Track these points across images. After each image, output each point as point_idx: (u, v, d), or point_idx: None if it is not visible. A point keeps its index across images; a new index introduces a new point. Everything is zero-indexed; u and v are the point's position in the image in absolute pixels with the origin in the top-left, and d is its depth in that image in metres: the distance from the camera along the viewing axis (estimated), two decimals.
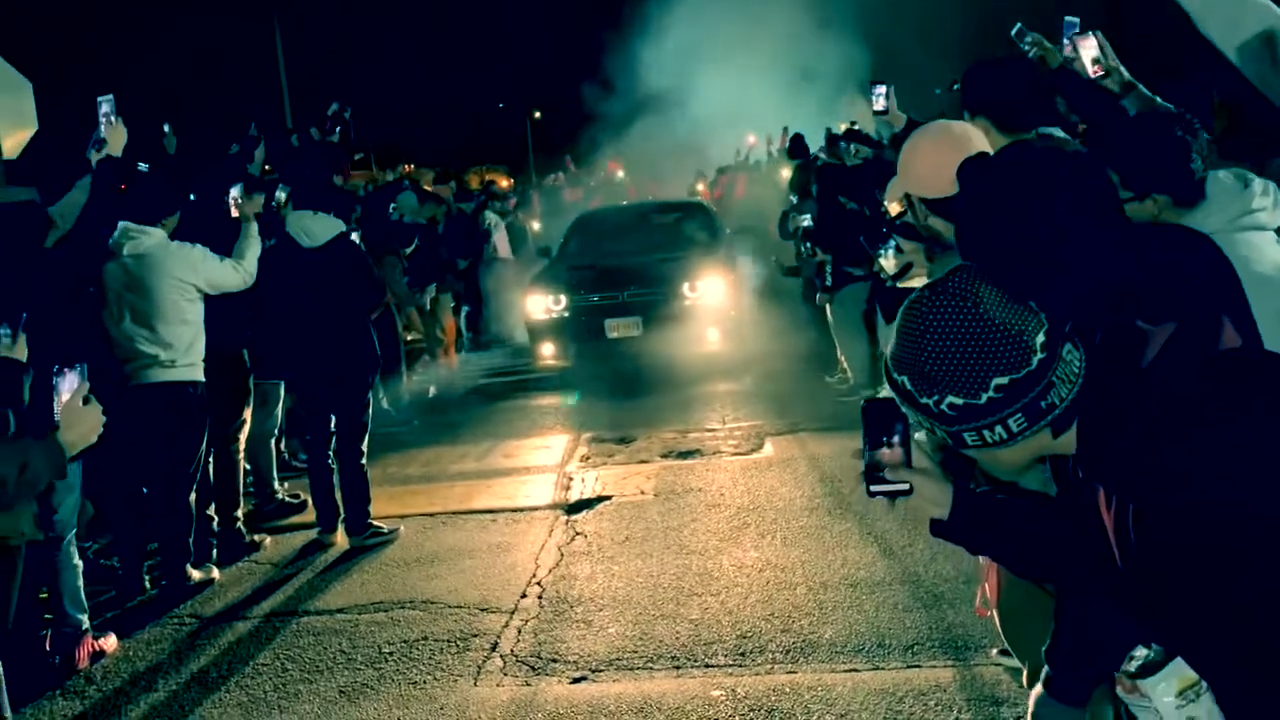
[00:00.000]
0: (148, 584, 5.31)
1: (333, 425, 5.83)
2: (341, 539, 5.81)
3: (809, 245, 7.66)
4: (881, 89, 5.56)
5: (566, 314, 9.86)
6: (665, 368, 9.43)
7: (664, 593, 4.81)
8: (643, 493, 6.39)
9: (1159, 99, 3.21)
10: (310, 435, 6.01)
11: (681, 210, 12.70)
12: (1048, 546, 1.74)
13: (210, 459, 5.56)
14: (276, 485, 6.57)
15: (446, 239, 10.41)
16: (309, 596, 5.14)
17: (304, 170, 7.65)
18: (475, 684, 4.09)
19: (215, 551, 5.55)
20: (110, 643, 4.64)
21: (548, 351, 10.02)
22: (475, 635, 4.52)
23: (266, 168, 7.53)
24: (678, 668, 4.09)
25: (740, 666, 4.05)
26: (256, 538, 5.92)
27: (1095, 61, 3.23)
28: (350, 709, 3.98)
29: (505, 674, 4.15)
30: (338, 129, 9.09)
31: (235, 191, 5.50)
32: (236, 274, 5.41)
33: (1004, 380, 1.40)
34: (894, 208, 3.05)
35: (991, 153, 2.70)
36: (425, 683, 4.13)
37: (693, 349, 9.60)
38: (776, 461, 6.81)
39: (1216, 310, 2.04)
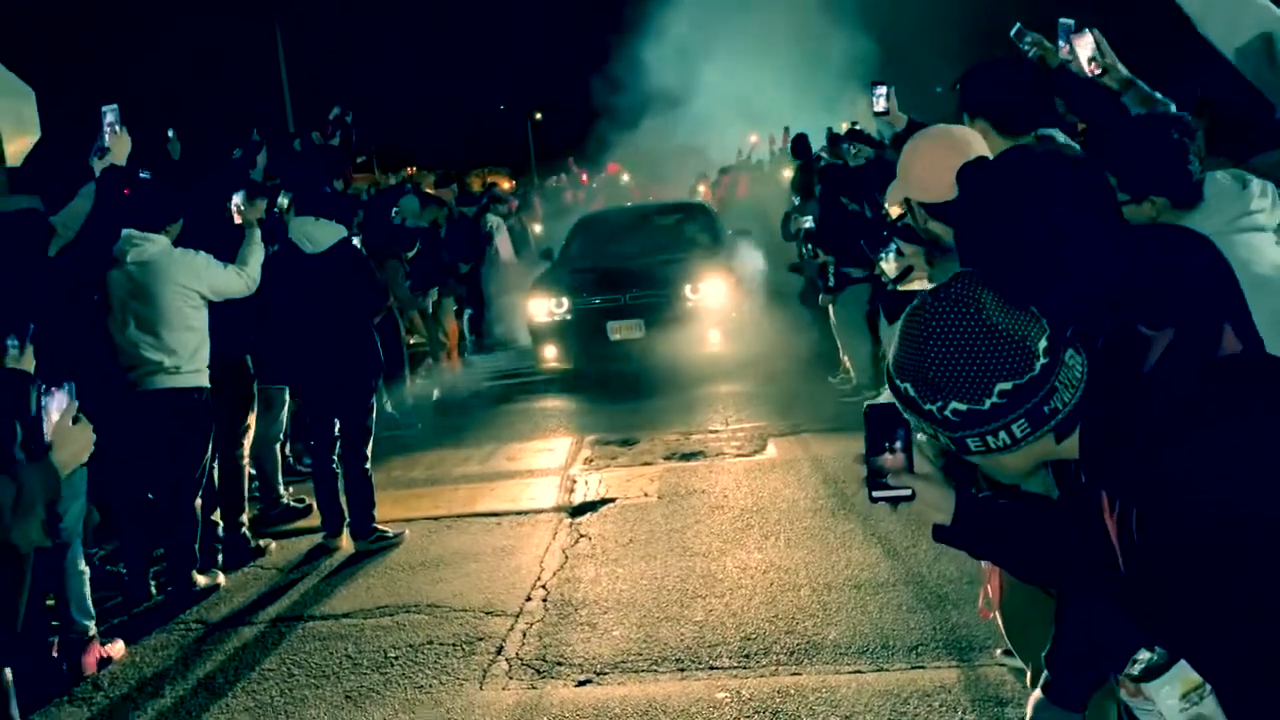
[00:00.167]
0: (154, 590, 5.32)
1: (337, 430, 5.84)
2: (347, 543, 5.82)
3: (810, 247, 7.67)
4: (882, 90, 5.56)
5: (569, 316, 9.87)
6: (668, 369, 9.45)
7: (668, 595, 4.83)
8: (646, 495, 6.40)
9: (1159, 94, 3.22)
10: (314, 440, 6.02)
11: (683, 212, 12.71)
12: (1050, 551, 1.75)
13: (215, 464, 5.58)
14: (281, 490, 6.59)
15: (448, 242, 10.43)
16: (315, 601, 5.16)
17: (306, 176, 7.68)
18: (481, 688, 4.10)
19: (221, 557, 5.57)
20: (117, 649, 4.66)
21: (550, 354, 10.05)
22: (481, 639, 4.53)
23: (271, 180, 7.55)
24: (682, 670, 4.10)
25: (745, 668, 4.06)
26: (262, 543, 5.94)
27: (1091, 60, 3.24)
28: (356, 714, 4.00)
29: (511, 677, 4.16)
30: (339, 133, 9.11)
31: (238, 198, 5.51)
32: (240, 280, 5.43)
33: (1007, 386, 1.41)
34: (894, 211, 3.06)
35: (991, 156, 2.71)
36: (431, 687, 4.14)
37: (695, 350, 9.61)
38: (780, 463, 6.82)
39: (1217, 311, 2.06)
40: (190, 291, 5.23)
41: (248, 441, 6.01)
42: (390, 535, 5.82)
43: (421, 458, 7.74)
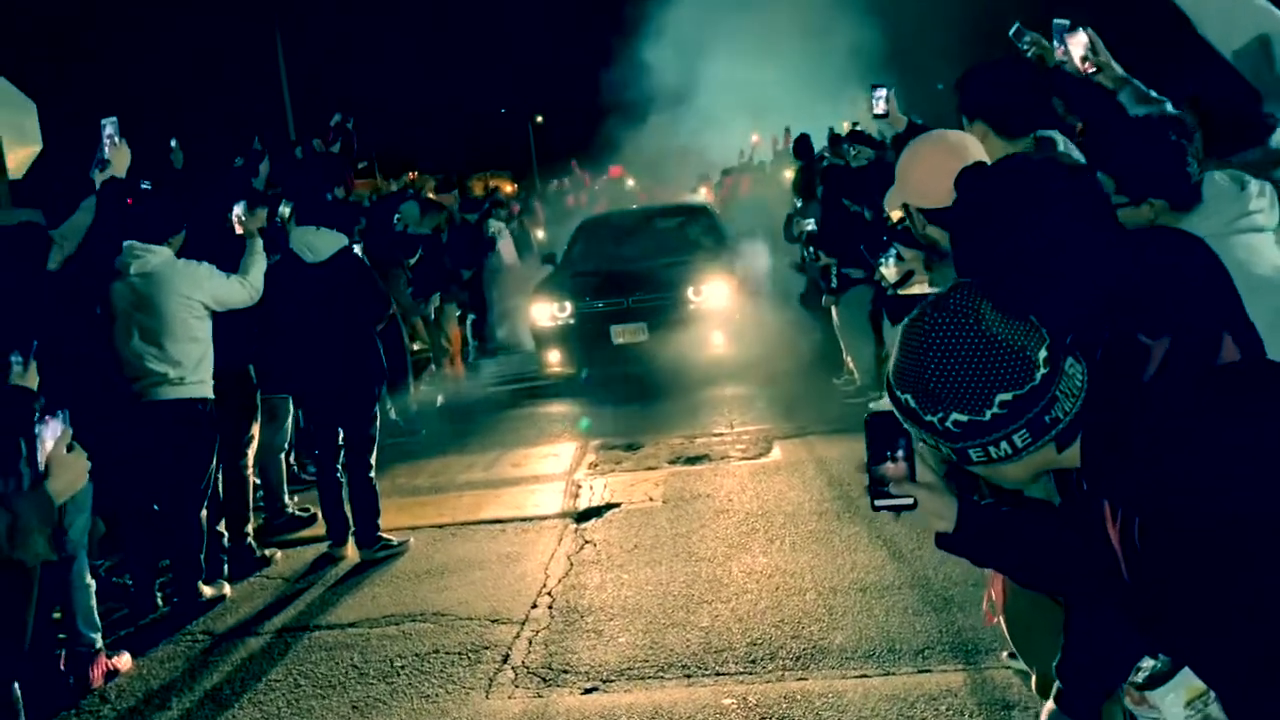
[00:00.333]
0: (160, 601, 5.33)
1: (341, 439, 5.85)
2: (352, 552, 5.83)
3: (812, 250, 7.66)
4: (882, 92, 5.55)
5: (572, 321, 9.88)
6: (672, 373, 9.45)
7: (674, 601, 4.82)
8: (651, 499, 6.40)
9: (1154, 93, 3.21)
10: (319, 449, 6.03)
11: (685, 214, 12.71)
12: (1053, 559, 1.75)
13: (219, 475, 5.59)
14: (286, 499, 6.60)
15: (450, 248, 10.44)
16: (320, 611, 5.16)
17: (307, 184, 7.69)
18: (487, 696, 4.10)
19: (226, 567, 5.57)
20: (124, 661, 4.67)
21: (554, 359, 10.06)
22: (486, 647, 4.53)
23: (272, 188, 7.56)
24: (689, 677, 4.09)
25: (751, 674, 4.06)
26: (267, 552, 5.95)
27: (1085, 59, 3.24)
28: None
29: (517, 686, 4.16)
30: (340, 140, 9.12)
31: (239, 209, 5.52)
32: (243, 290, 5.44)
33: (1008, 396, 1.41)
34: (895, 215, 3.06)
35: (989, 160, 2.71)
36: (437, 696, 4.14)
37: (699, 353, 9.62)
38: (784, 465, 6.82)
39: (1214, 314, 2.06)
40: (193, 302, 5.24)
41: (252, 451, 6.02)
42: (395, 544, 5.82)
43: (426, 465, 7.75)
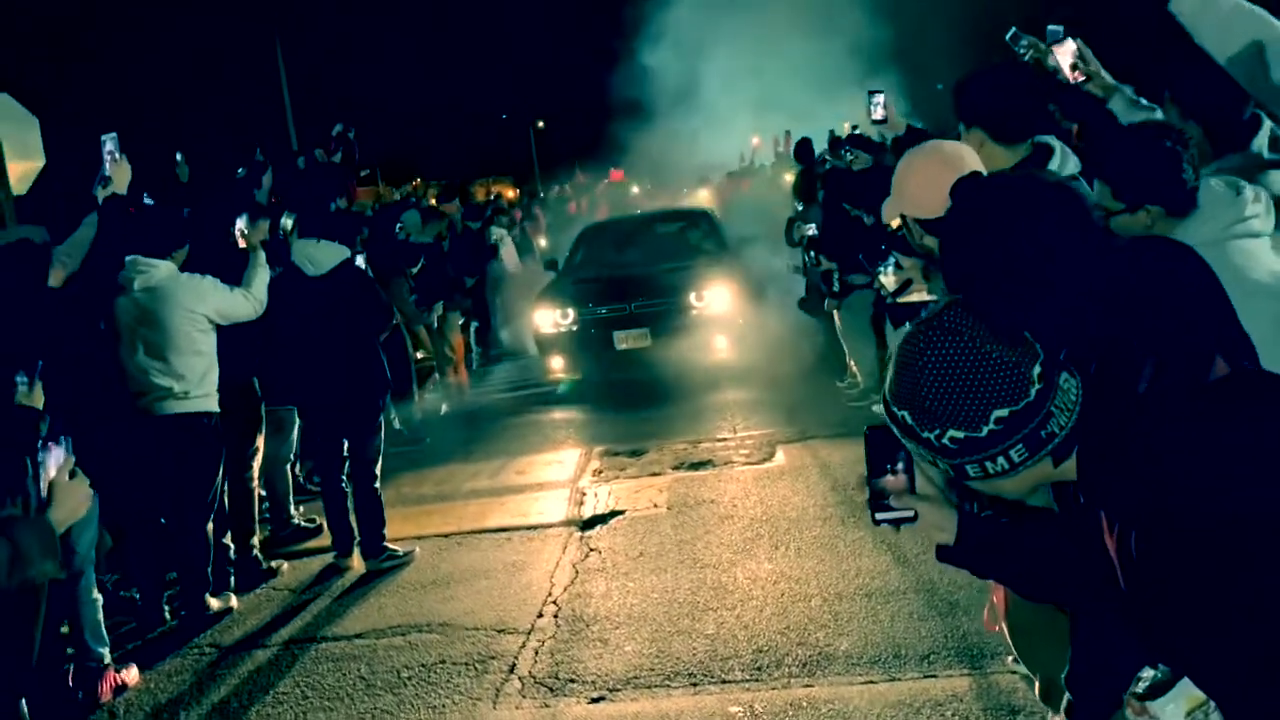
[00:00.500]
0: (167, 614, 5.35)
1: (345, 450, 5.86)
2: (358, 563, 5.84)
3: (814, 254, 7.67)
4: (879, 98, 5.57)
5: (575, 327, 9.90)
6: (675, 378, 9.46)
7: (679, 608, 4.83)
8: (655, 506, 6.41)
9: (1144, 100, 3.23)
10: (323, 460, 6.05)
11: (686, 219, 12.73)
12: (1054, 571, 1.76)
13: (225, 488, 5.60)
14: (292, 510, 6.62)
15: (453, 256, 10.46)
16: (327, 622, 5.18)
17: (309, 194, 7.71)
18: (494, 707, 4.12)
19: (233, 580, 5.59)
20: (132, 675, 4.68)
21: (557, 365, 10.08)
22: (493, 657, 4.55)
23: (273, 199, 7.58)
24: (695, 685, 4.10)
25: (757, 681, 4.07)
26: (274, 564, 5.96)
27: (1074, 67, 3.25)
28: None
29: (524, 696, 4.17)
30: (341, 150, 9.14)
31: (241, 223, 5.54)
32: (247, 303, 5.46)
33: (1004, 412, 1.42)
34: (893, 224, 3.07)
35: (984, 170, 2.72)
36: (444, 707, 4.16)
37: (702, 358, 9.63)
38: (788, 470, 6.82)
39: (1211, 320, 2.06)
40: (197, 316, 5.26)
41: (257, 464, 6.04)
42: (401, 554, 5.84)
43: (431, 473, 7.76)
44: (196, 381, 5.22)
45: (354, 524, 5.85)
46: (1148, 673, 1.73)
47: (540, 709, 4.05)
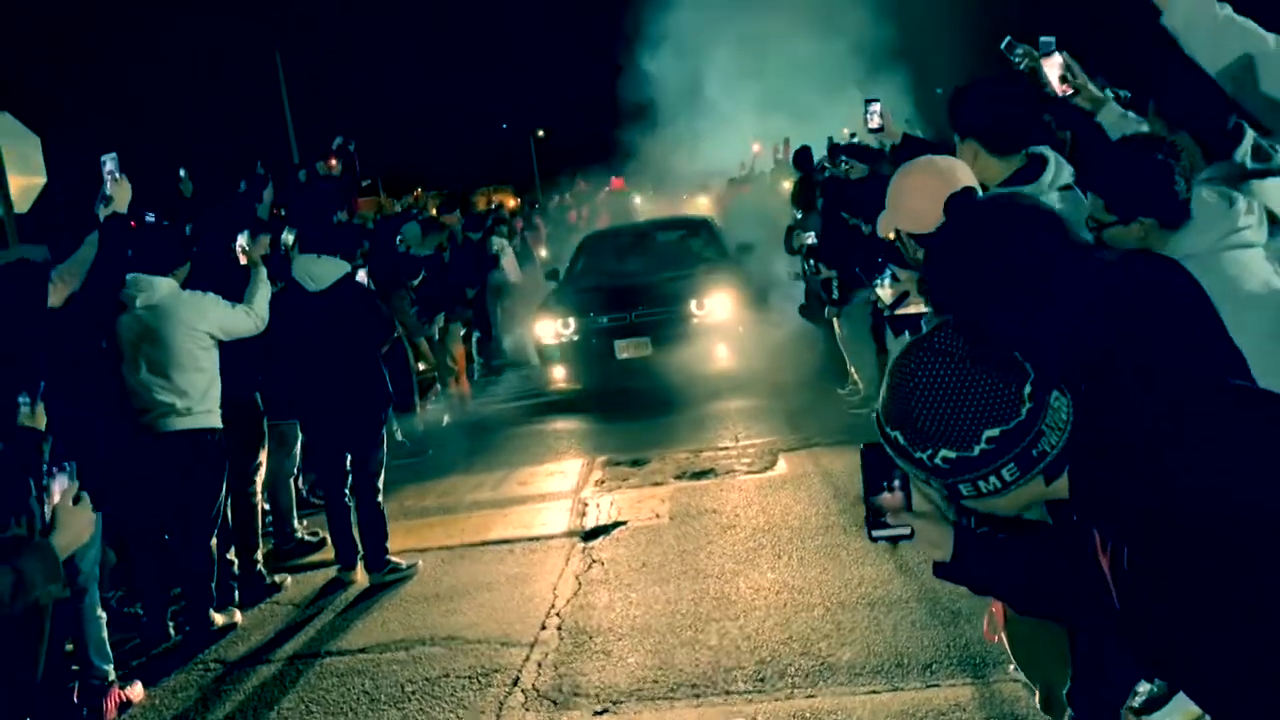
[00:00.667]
0: (172, 630, 5.36)
1: (348, 463, 5.88)
2: (361, 576, 5.86)
3: (813, 262, 7.69)
4: (876, 106, 5.59)
5: (576, 337, 9.92)
6: (676, 386, 9.46)
7: (682, 619, 4.84)
8: (658, 516, 6.42)
9: (1132, 114, 3.24)
10: (326, 474, 6.06)
11: (687, 227, 12.76)
12: (1051, 587, 1.77)
13: (229, 503, 5.62)
14: (296, 524, 6.63)
15: (454, 267, 10.48)
16: (331, 637, 5.19)
17: (311, 207, 7.73)
18: None
19: (237, 594, 5.61)
20: (136, 692, 4.69)
21: (559, 375, 10.09)
22: (496, 670, 4.55)
23: (275, 211, 7.61)
24: (698, 697, 4.11)
25: (760, 693, 4.07)
26: (277, 578, 5.98)
27: (1063, 80, 3.27)
28: None
29: (527, 709, 4.18)
30: (342, 163, 9.17)
31: (242, 239, 5.57)
32: (249, 319, 5.48)
33: (995, 432, 1.43)
34: (890, 236, 3.09)
35: (978, 183, 2.74)
36: None
37: (703, 366, 9.64)
38: (790, 478, 6.83)
39: (1202, 329, 2.08)
40: (199, 333, 5.28)
41: (260, 478, 6.05)
42: (404, 567, 5.85)
43: (433, 485, 7.77)
44: (199, 398, 5.24)
45: (357, 537, 5.87)
46: (1144, 687, 1.74)
47: None
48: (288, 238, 6.18)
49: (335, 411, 5.82)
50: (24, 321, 4.09)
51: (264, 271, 5.66)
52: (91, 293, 4.86)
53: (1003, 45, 3.66)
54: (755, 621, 4.71)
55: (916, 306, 3.05)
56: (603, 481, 7.37)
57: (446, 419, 9.71)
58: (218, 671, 4.94)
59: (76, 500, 2.51)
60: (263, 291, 5.59)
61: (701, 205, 17.98)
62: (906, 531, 1.84)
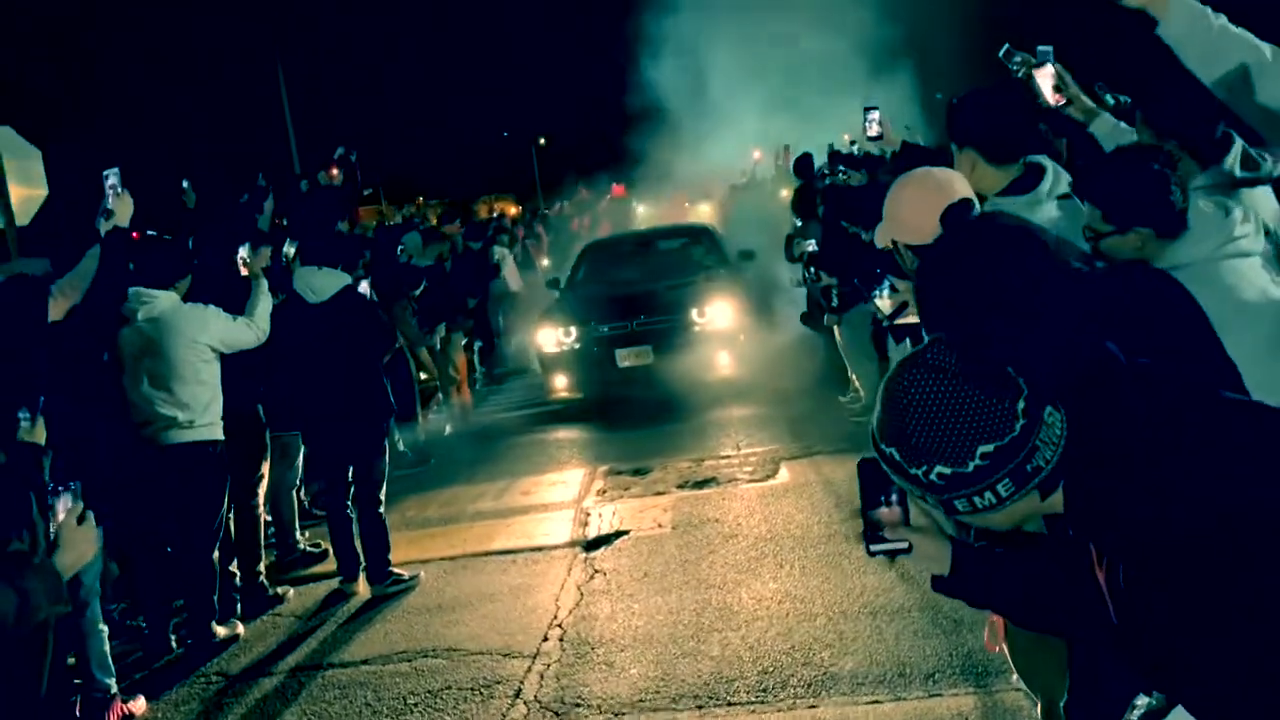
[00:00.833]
0: (174, 643, 5.36)
1: (350, 474, 5.88)
2: (363, 588, 5.85)
3: (814, 270, 7.70)
4: (875, 114, 5.61)
5: (578, 346, 9.92)
6: (678, 395, 9.47)
7: (684, 629, 4.83)
8: (660, 526, 6.41)
9: (1123, 124, 3.25)
10: (328, 485, 6.07)
11: (688, 235, 12.77)
12: (1049, 601, 1.77)
13: (231, 514, 5.63)
14: (298, 535, 6.63)
15: (455, 277, 10.49)
16: (333, 648, 5.18)
17: (312, 218, 7.75)
18: None
19: (239, 606, 5.61)
20: (139, 705, 4.69)
21: (560, 383, 10.09)
22: (498, 682, 4.55)
23: (277, 221, 7.63)
24: (700, 707, 4.10)
25: (763, 703, 4.07)
26: (280, 590, 5.97)
27: (1056, 89, 3.27)
28: None
29: None
30: (343, 172, 9.20)
31: (243, 251, 5.58)
32: (250, 331, 5.49)
33: (989, 448, 1.43)
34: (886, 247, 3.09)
35: (975, 194, 2.74)
36: None
37: (704, 374, 9.64)
38: (792, 487, 6.82)
39: (1196, 338, 2.08)
40: (201, 345, 5.29)
41: (263, 490, 6.06)
42: (406, 578, 5.84)
43: (435, 496, 7.77)
44: (201, 410, 5.25)
45: (359, 549, 5.87)
46: (1142, 700, 1.74)
47: None
48: (289, 250, 6.20)
49: (337, 422, 5.82)
50: (23, 335, 4.10)
51: (265, 283, 5.68)
52: (93, 306, 4.87)
53: (1001, 53, 3.67)
54: (757, 631, 4.70)
55: (914, 317, 3.05)
56: (605, 491, 7.36)
57: (448, 429, 9.71)
58: (220, 684, 4.94)
59: (81, 519, 2.51)
60: (264, 303, 5.61)
61: (703, 212, 17.99)
62: (904, 546, 1.84)
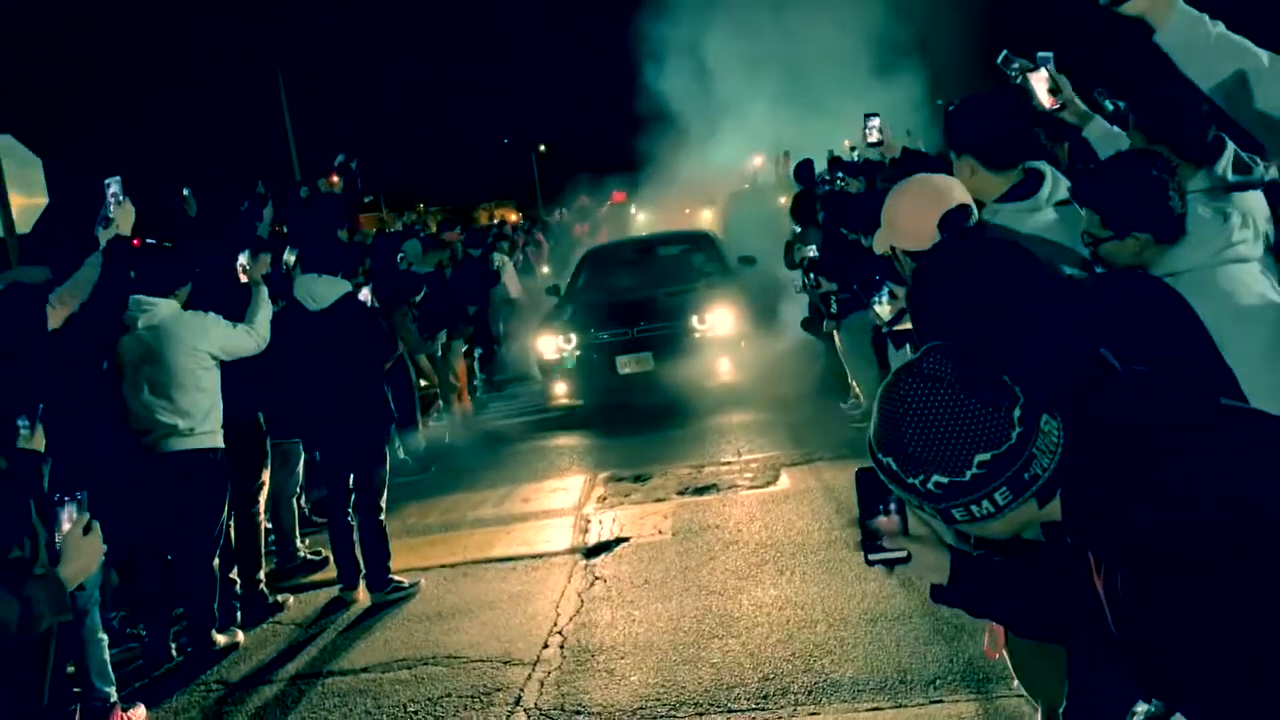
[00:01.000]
0: (174, 651, 5.35)
1: (351, 482, 5.88)
2: (364, 595, 5.85)
3: (813, 276, 7.70)
4: (875, 121, 5.61)
5: (578, 352, 9.92)
6: (679, 401, 9.47)
7: (684, 636, 4.82)
8: (660, 532, 6.40)
9: (1116, 128, 3.25)
10: (329, 492, 6.06)
11: (689, 242, 12.77)
12: (1048, 609, 1.77)
13: (231, 523, 5.62)
14: (298, 543, 6.63)
15: (455, 283, 10.49)
16: (333, 656, 5.18)
17: (313, 225, 7.75)
18: None
19: (239, 614, 5.60)
20: (139, 714, 4.68)
21: (561, 390, 10.09)
22: (498, 689, 4.54)
23: (277, 228, 7.64)
24: (701, 715, 4.10)
25: (763, 710, 4.06)
26: (280, 598, 5.97)
27: (1051, 92, 3.28)
28: None
29: None
30: (344, 180, 9.20)
31: (243, 258, 5.59)
32: (250, 338, 5.49)
33: (986, 456, 1.43)
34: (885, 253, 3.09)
35: (973, 201, 2.74)
36: None
37: (705, 381, 9.64)
38: (793, 493, 6.82)
39: (1194, 345, 2.08)
40: (201, 353, 5.29)
41: (263, 498, 6.05)
42: (406, 586, 5.84)
43: (436, 503, 7.77)
44: (201, 418, 5.25)
45: (359, 556, 5.86)
46: (1141, 707, 1.74)
47: None
48: (289, 257, 6.20)
49: (338, 429, 5.82)
50: (22, 343, 4.10)
51: (265, 291, 5.68)
52: (93, 314, 4.88)
53: (999, 59, 3.67)
54: (758, 638, 4.70)
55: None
56: (605, 498, 7.36)
57: (449, 436, 9.71)
58: (220, 692, 4.93)
59: (87, 529, 2.51)
60: (264, 311, 5.61)
61: (705, 218, 18.00)
62: (903, 555, 1.84)
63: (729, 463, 7.84)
